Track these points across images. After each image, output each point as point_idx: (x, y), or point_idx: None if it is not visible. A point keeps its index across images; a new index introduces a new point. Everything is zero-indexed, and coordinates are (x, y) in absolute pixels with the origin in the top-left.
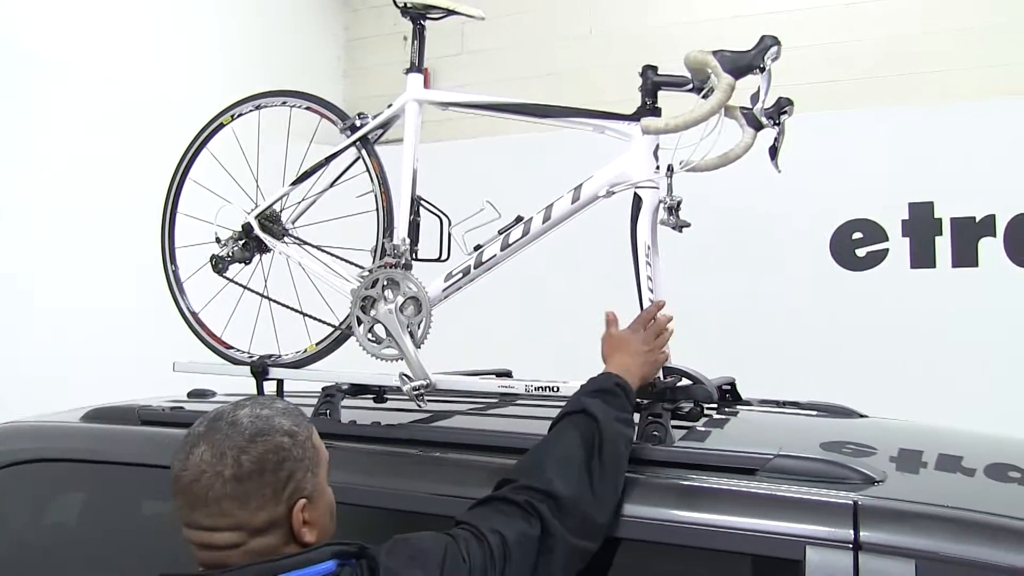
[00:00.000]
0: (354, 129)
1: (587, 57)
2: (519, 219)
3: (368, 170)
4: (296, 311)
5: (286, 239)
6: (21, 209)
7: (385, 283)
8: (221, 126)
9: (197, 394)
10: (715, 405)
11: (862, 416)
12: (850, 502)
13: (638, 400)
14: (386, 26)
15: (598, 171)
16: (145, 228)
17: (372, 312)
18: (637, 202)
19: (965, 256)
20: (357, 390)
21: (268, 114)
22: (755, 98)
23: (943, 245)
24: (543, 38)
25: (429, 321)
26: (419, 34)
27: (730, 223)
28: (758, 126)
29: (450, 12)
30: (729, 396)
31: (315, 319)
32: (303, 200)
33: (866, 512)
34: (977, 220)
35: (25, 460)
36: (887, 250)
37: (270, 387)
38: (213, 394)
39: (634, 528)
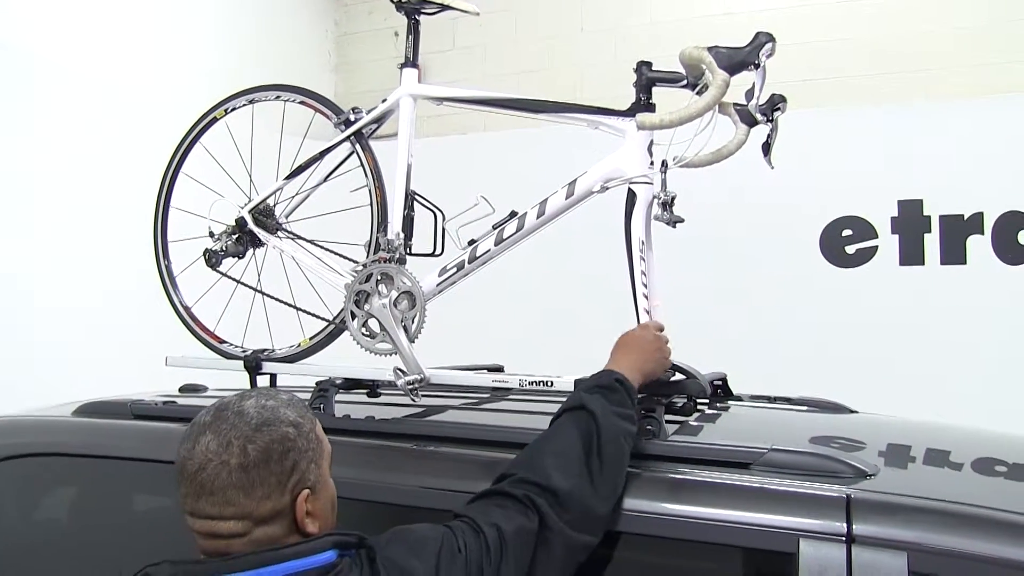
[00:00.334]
0: (348, 123)
1: (578, 54)
2: (513, 214)
3: (362, 165)
4: (290, 305)
5: (280, 233)
6: (14, 205)
7: (379, 278)
8: (214, 120)
9: (189, 389)
10: (707, 400)
11: (852, 412)
12: (843, 495)
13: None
14: (377, 22)
15: (592, 166)
16: (137, 223)
17: (366, 307)
18: (631, 197)
19: (954, 253)
20: (351, 384)
21: (261, 108)
22: (750, 94)
23: (932, 242)
24: (534, 34)
25: (423, 316)
26: (413, 29)
27: (719, 219)
28: (751, 122)
29: (444, 7)
30: (720, 391)
31: (309, 313)
32: (297, 194)
33: (859, 505)
34: (966, 218)
35: (17, 455)
36: (876, 247)
37: (263, 382)
38: (205, 389)
39: (629, 522)
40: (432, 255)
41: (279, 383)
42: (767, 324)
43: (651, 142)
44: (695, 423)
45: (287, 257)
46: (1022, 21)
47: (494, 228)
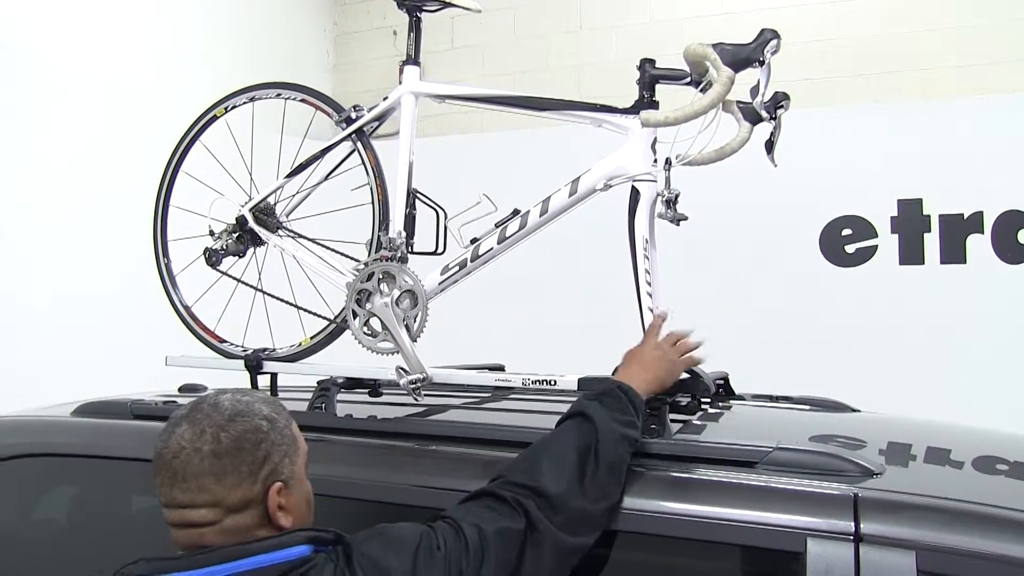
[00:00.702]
0: (350, 121)
1: (577, 53)
2: (516, 212)
3: (364, 163)
4: (291, 304)
5: (280, 232)
6: (14, 204)
7: (381, 276)
8: (214, 118)
9: (189, 388)
10: (708, 399)
11: (854, 411)
12: (850, 494)
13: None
14: (375, 21)
15: (596, 164)
16: (137, 221)
17: (368, 305)
18: (635, 195)
19: (953, 253)
20: (352, 384)
21: (262, 107)
22: (755, 91)
23: (932, 242)
24: (533, 33)
25: (425, 315)
26: (415, 26)
27: (718, 219)
28: (754, 120)
29: (446, 4)
30: (722, 390)
31: (310, 312)
32: (298, 193)
33: (866, 504)
34: (965, 217)
35: (17, 455)
36: (876, 247)
37: (264, 381)
38: (205, 389)
39: (634, 521)
40: (434, 253)
41: (280, 382)
42: (766, 323)
43: (655, 140)
44: (698, 422)
45: (288, 256)
46: (1023, 20)
47: (497, 226)
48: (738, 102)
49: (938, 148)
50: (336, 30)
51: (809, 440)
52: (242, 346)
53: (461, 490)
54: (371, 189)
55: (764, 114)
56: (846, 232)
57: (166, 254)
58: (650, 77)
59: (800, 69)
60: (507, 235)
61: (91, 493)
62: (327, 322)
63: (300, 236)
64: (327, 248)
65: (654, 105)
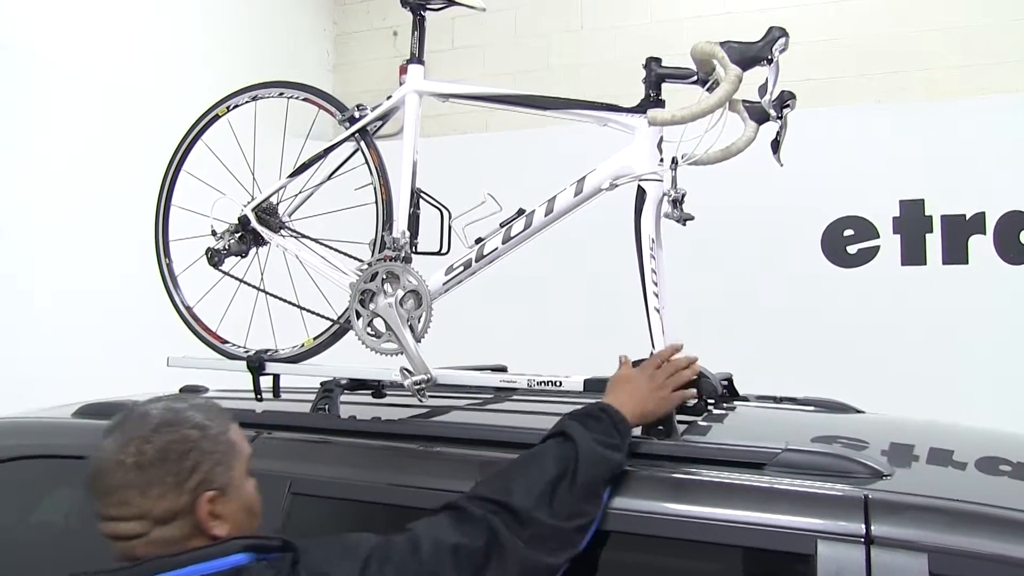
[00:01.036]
0: (353, 120)
1: (578, 53)
2: (521, 212)
3: (367, 162)
4: (293, 305)
5: (283, 232)
6: (14, 204)
7: (384, 276)
8: (216, 118)
9: (189, 390)
10: (713, 400)
11: (858, 412)
12: (861, 496)
13: None
14: (375, 21)
15: (601, 164)
16: (139, 222)
17: (371, 306)
18: (641, 195)
19: (955, 253)
20: (356, 385)
21: (264, 106)
22: (763, 90)
23: (934, 242)
24: (534, 33)
25: (429, 315)
26: (419, 25)
27: (720, 220)
28: (760, 120)
29: (451, 2)
30: (726, 391)
31: (313, 313)
32: (300, 192)
33: (877, 506)
34: (967, 217)
35: (17, 456)
36: (878, 247)
37: (266, 382)
38: (205, 390)
39: (642, 523)
40: (438, 253)
41: (283, 384)
42: (768, 324)
43: (661, 139)
44: (703, 423)
45: (291, 256)
46: None
47: (501, 226)
48: (744, 101)
49: (940, 148)
50: (336, 30)
51: (816, 441)
52: (244, 347)
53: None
54: (375, 188)
55: (772, 112)
56: (848, 233)
57: (168, 254)
58: (656, 76)
59: (802, 69)
60: (512, 235)
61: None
62: (330, 323)
63: (303, 236)
64: (330, 248)
65: (660, 104)
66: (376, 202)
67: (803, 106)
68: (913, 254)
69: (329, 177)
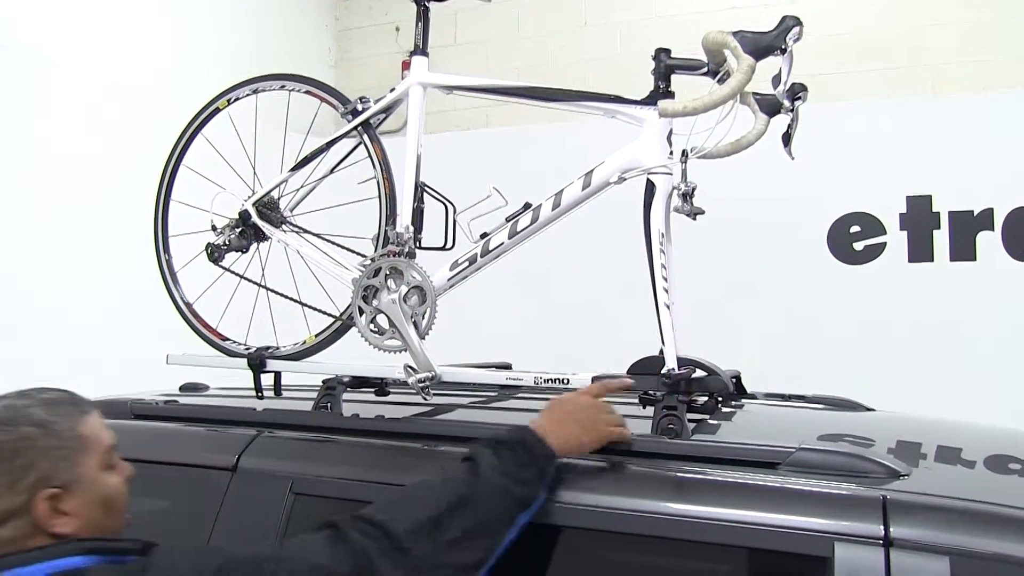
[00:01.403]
0: (356, 113)
1: (581, 48)
2: (527, 206)
3: (370, 156)
4: (295, 301)
5: (285, 227)
6: (13, 202)
7: (388, 272)
8: (217, 111)
9: (190, 388)
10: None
11: (868, 409)
12: (879, 496)
13: (651, 393)
14: (377, 17)
15: (610, 157)
16: (138, 217)
17: (374, 302)
18: (650, 189)
19: (963, 250)
20: (359, 383)
21: (265, 100)
22: (776, 80)
23: (941, 239)
24: (536, 29)
25: (434, 311)
26: (423, 16)
27: (725, 215)
28: (771, 112)
29: None
30: (735, 389)
31: (315, 309)
32: (302, 187)
33: (896, 507)
34: (975, 214)
35: None
36: (885, 244)
37: (267, 380)
38: (206, 388)
39: (655, 524)
40: (443, 249)
41: (284, 381)
42: (774, 321)
43: (671, 131)
44: (714, 421)
45: (292, 251)
46: None
47: (508, 220)
48: (754, 94)
49: (948, 144)
50: (338, 26)
51: (828, 440)
52: (245, 344)
53: None
54: (378, 183)
55: (785, 103)
56: (854, 229)
57: (167, 250)
58: (665, 67)
59: (809, 64)
60: (519, 229)
61: None
62: (332, 319)
63: (305, 231)
64: (332, 243)
65: (670, 95)
66: (379, 196)
67: (809, 101)
68: (920, 251)
69: (332, 171)
